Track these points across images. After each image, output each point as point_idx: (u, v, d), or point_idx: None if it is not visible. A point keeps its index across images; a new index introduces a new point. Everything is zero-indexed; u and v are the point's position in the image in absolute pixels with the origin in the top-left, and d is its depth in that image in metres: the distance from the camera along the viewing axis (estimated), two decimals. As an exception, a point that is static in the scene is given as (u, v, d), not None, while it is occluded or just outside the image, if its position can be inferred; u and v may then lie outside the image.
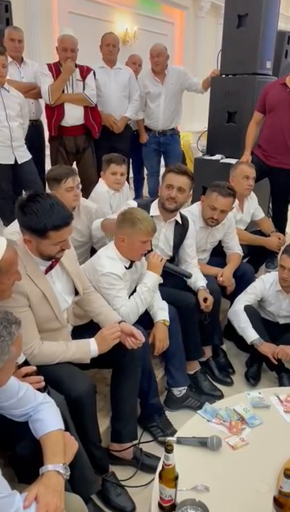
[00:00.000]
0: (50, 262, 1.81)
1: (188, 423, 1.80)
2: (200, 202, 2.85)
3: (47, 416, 1.43)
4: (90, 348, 1.85)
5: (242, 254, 3.07)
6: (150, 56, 4.24)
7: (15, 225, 1.96)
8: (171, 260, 2.65)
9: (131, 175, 5.07)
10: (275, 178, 3.71)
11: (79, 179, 2.66)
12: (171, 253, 2.66)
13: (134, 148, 4.71)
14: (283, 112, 3.41)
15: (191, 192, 2.63)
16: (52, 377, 1.65)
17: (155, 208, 2.54)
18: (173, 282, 2.58)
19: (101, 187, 3.17)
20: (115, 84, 4.11)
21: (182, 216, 2.65)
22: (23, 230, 1.71)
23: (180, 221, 2.63)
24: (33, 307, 1.74)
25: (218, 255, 3.06)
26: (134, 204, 2.51)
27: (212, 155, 4.10)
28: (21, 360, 1.55)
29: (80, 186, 2.75)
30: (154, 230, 2.16)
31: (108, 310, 2.08)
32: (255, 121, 3.62)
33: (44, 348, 1.75)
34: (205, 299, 2.54)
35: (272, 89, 3.46)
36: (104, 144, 4.04)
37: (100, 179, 3.22)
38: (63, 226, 1.67)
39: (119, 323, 1.99)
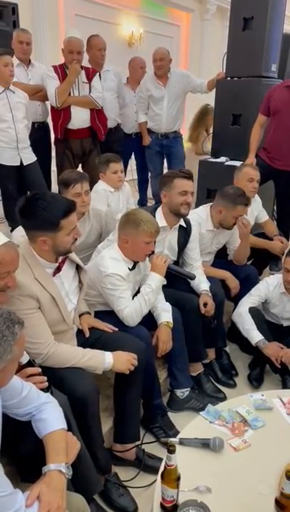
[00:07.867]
0: (57, 264, 1.82)
1: (190, 425, 1.80)
2: (207, 206, 2.86)
3: (50, 416, 1.43)
4: (105, 359, 1.85)
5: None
6: (152, 60, 4.26)
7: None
8: (176, 263, 2.65)
9: (135, 176, 5.09)
10: (280, 180, 3.70)
11: (88, 187, 2.64)
12: (175, 258, 2.66)
13: (138, 150, 4.73)
14: (288, 114, 3.40)
15: None
16: (56, 378, 1.66)
17: (160, 218, 2.49)
18: (177, 283, 2.58)
19: (100, 185, 3.20)
20: (106, 88, 4.08)
21: (185, 220, 2.65)
22: (36, 233, 1.71)
23: (184, 225, 2.63)
24: (43, 311, 1.75)
25: (222, 257, 3.07)
26: None
27: (217, 158, 4.10)
28: (24, 360, 1.55)
29: (90, 192, 2.73)
30: (157, 231, 2.17)
31: None
32: (259, 123, 3.62)
33: (60, 349, 1.77)
34: (205, 304, 2.55)
35: (276, 92, 3.46)
36: (102, 146, 4.07)
37: (100, 180, 3.24)
38: (71, 211, 1.72)
39: None
